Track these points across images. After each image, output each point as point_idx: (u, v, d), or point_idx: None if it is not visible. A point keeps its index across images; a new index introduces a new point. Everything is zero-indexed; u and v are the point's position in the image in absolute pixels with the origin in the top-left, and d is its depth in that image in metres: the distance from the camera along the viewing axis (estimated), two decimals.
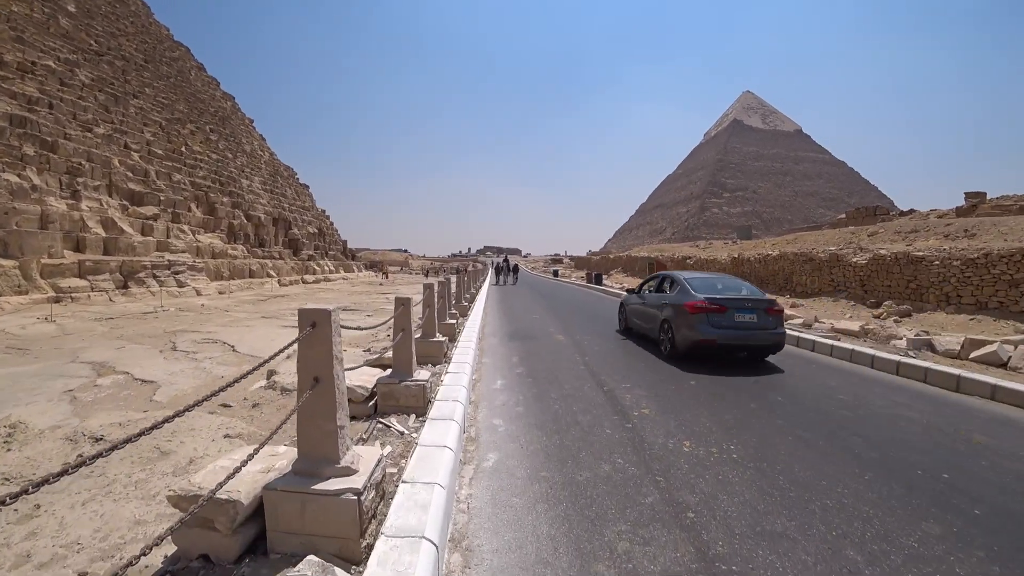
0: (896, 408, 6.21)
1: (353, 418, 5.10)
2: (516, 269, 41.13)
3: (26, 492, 1.37)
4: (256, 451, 2.52)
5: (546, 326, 13.34)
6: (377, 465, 3.06)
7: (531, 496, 3.61)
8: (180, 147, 35.22)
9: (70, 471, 1.54)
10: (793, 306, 17.78)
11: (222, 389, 2.41)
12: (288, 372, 7.05)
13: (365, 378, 5.41)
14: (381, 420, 4.93)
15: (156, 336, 12.37)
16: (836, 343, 9.93)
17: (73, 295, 19.05)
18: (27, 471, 4.12)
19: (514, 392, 6.58)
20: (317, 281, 40.69)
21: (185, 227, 29.69)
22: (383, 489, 3.22)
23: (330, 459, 2.86)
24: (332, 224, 60.28)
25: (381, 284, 42.40)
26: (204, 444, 4.66)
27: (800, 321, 13.49)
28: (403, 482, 3.21)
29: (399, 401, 5.20)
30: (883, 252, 16.72)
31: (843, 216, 49.85)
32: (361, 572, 2.57)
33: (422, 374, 5.52)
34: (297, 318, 2.84)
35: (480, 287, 26.77)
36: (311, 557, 2.54)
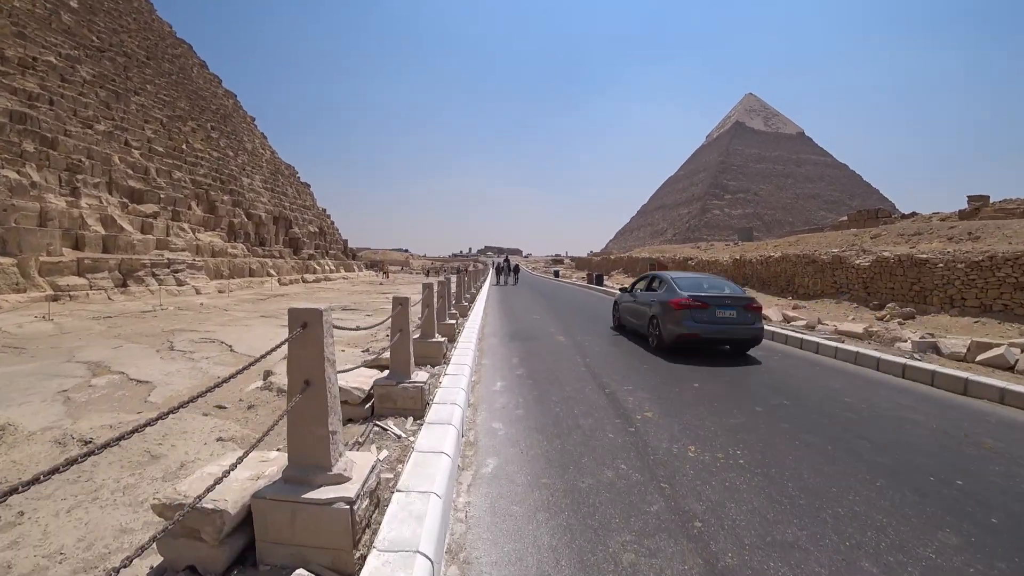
0: (902, 411, 6.09)
1: (349, 420, 4.98)
2: (517, 269, 41.00)
3: None
4: (242, 458, 2.41)
5: (547, 326, 13.22)
6: (371, 472, 2.93)
7: (532, 504, 3.48)
8: (181, 145, 35.14)
9: (41, 479, 1.45)
10: (795, 308, 17.66)
11: (208, 391, 2.29)
12: (285, 372, 6.93)
13: (362, 379, 5.28)
14: (378, 423, 4.80)
15: (154, 335, 12.27)
16: (840, 345, 9.80)
17: (71, 293, 18.95)
18: (12, 475, 4.00)
19: (514, 394, 6.45)
20: (317, 280, 40.60)
21: (185, 225, 29.60)
22: (378, 497, 3.10)
23: (322, 466, 2.73)
24: (333, 223, 60.20)
25: (381, 284, 42.30)
26: (196, 448, 4.54)
27: (803, 323, 13.36)
28: (398, 491, 3.06)
29: (396, 403, 5.07)
30: (886, 254, 16.60)
31: (845, 218, 49.67)
32: None
33: (420, 376, 5.40)
34: (299, 313, 2.72)
35: (480, 287, 26.65)
36: (301, 571, 2.42)
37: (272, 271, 35.07)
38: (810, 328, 12.63)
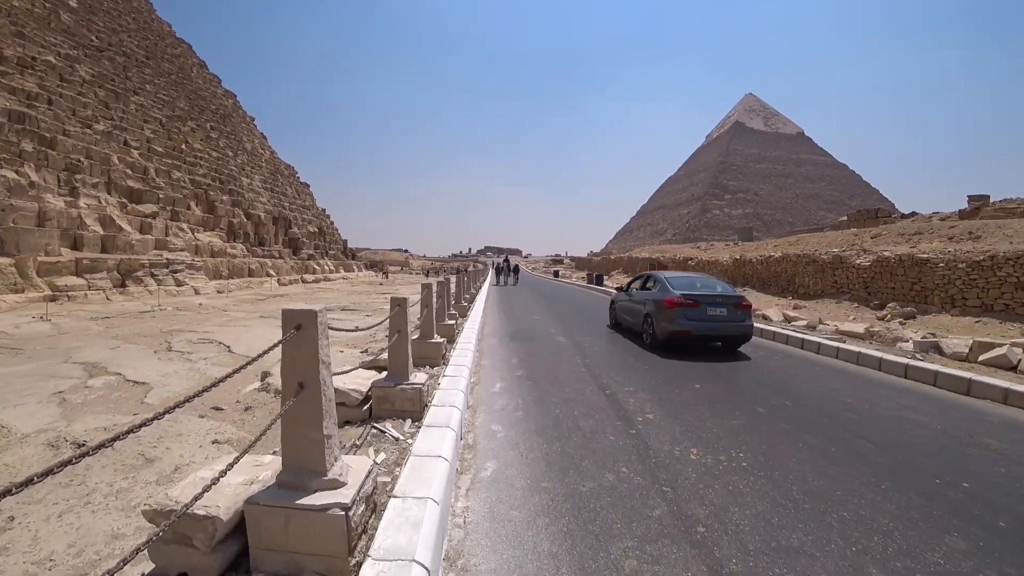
0: (905, 411, 6.05)
1: (347, 423, 4.92)
2: (516, 269, 40.93)
3: None
4: (233, 463, 2.34)
5: (546, 327, 13.15)
6: (368, 476, 2.87)
7: (531, 509, 3.41)
8: (180, 144, 35.07)
9: (35, 480, 1.41)
10: (796, 308, 17.60)
11: (198, 394, 2.23)
12: None
13: (360, 381, 5.22)
14: (376, 425, 4.75)
15: (152, 336, 12.20)
16: (842, 345, 9.74)
17: (70, 294, 18.88)
18: (4, 479, 3.93)
19: (514, 395, 6.38)
20: (317, 280, 40.52)
21: (184, 225, 29.53)
22: (375, 501, 3.04)
23: (316, 471, 2.67)
24: (332, 223, 60.12)
25: (381, 284, 42.23)
26: (191, 450, 4.47)
27: (804, 323, 13.31)
28: (394, 496, 2.98)
29: (394, 405, 5.01)
30: (887, 254, 16.54)
31: (844, 218, 49.63)
32: None
33: (419, 377, 5.33)
34: (293, 314, 2.65)
35: (480, 287, 26.58)
36: None
37: (271, 271, 35.00)
38: (811, 328, 12.58)
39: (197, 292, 24.65)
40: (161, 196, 28.85)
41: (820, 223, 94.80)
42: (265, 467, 2.97)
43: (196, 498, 2.21)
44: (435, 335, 7.58)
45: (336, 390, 4.91)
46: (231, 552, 2.63)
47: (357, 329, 4.34)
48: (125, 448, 4.35)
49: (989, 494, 3.81)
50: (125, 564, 1.71)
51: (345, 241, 60.04)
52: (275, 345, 2.57)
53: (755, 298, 21.40)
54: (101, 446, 1.69)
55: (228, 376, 2.36)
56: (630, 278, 18.02)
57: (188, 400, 2.10)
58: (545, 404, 5.99)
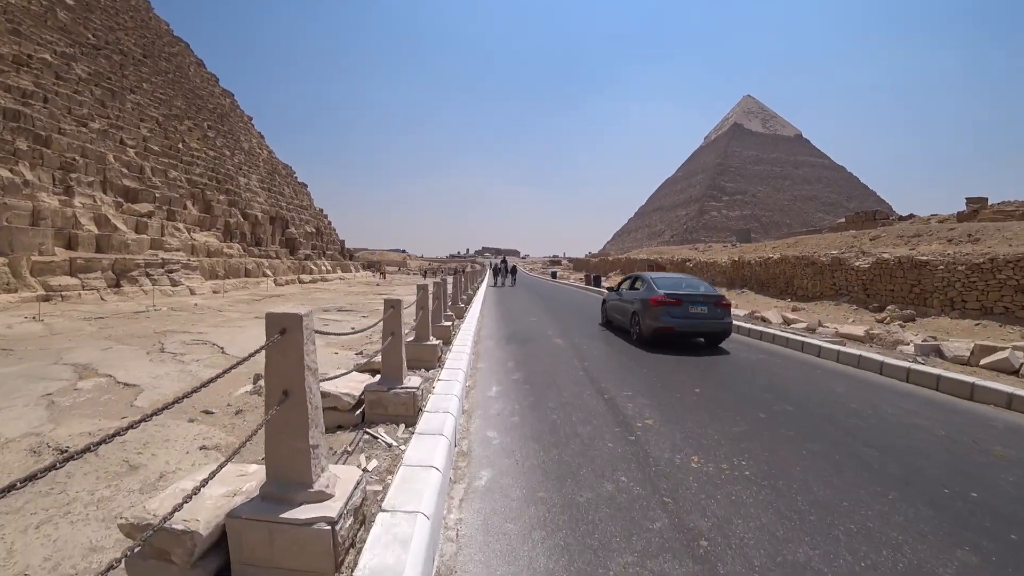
0: (908, 417, 5.95)
1: (339, 427, 4.80)
2: (514, 270, 40.79)
3: None
4: (214, 474, 2.21)
5: (544, 328, 13.04)
6: (356, 488, 2.75)
7: (527, 521, 3.28)
8: (177, 144, 34.87)
9: (17, 486, 1.36)
10: (795, 310, 17.52)
11: (179, 399, 2.11)
12: None
13: (353, 384, 5.09)
14: (368, 431, 4.62)
15: (145, 337, 12.04)
16: (842, 348, 9.65)
17: (63, 293, 18.70)
18: None
19: (510, 400, 6.25)
20: (314, 281, 40.34)
21: (180, 225, 29.34)
22: (363, 513, 2.91)
23: (302, 482, 2.55)
24: (330, 223, 59.91)
25: (378, 284, 42.07)
26: (177, 457, 4.34)
27: (804, 325, 13.21)
28: (383, 511, 2.84)
29: (388, 410, 4.89)
30: (886, 256, 16.47)
31: (843, 220, 49.70)
32: None
33: (413, 381, 5.21)
34: (277, 318, 2.52)
35: (478, 288, 26.45)
36: None
37: (268, 271, 34.81)
38: (811, 331, 12.48)
39: (193, 292, 24.47)
40: (157, 195, 28.66)
41: (818, 225, 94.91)
42: (249, 477, 2.84)
43: (176, 509, 2.09)
44: (431, 337, 7.46)
45: (328, 394, 4.80)
46: (212, 567, 2.51)
47: (354, 331, 4.22)
48: (109, 454, 4.22)
49: (998, 504, 3.71)
50: None
51: (343, 241, 59.84)
52: (258, 350, 2.45)
53: (753, 300, 21.31)
54: (86, 450, 1.61)
55: (212, 380, 2.24)
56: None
57: (169, 406, 1.98)
58: (542, 409, 5.86)
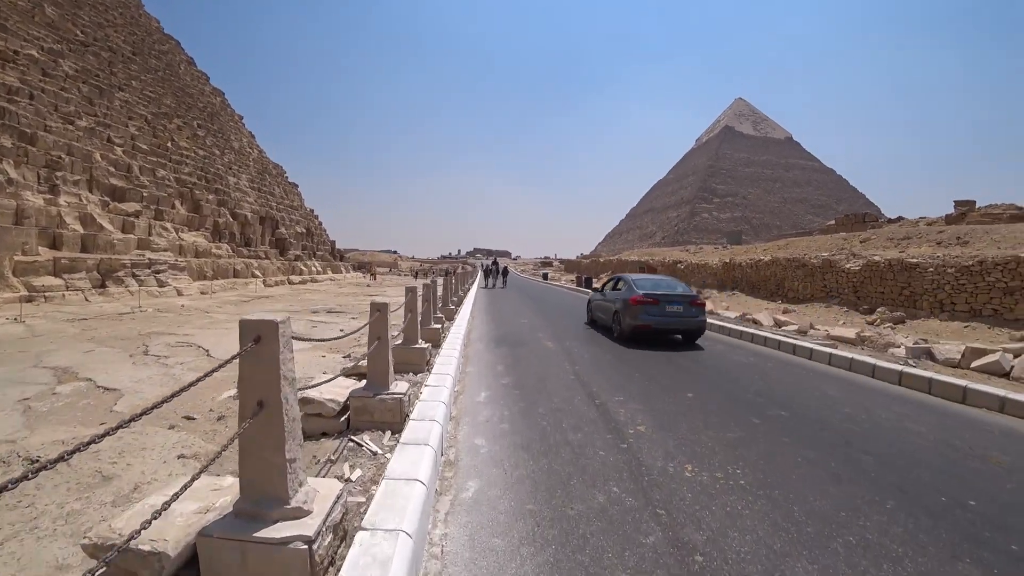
0: (902, 421, 5.89)
1: (323, 435, 4.66)
2: (505, 272, 40.65)
3: None
4: (181, 491, 2.07)
5: (535, 331, 12.92)
6: (336, 503, 2.62)
7: (515, 536, 3.14)
8: (166, 142, 34.45)
9: None
10: (785, 312, 17.52)
11: (157, 405, 1.97)
12: None
13: (338, 390, 4.95)
14: (353, 438, 4.48)
15: (129, 339, 11.81)
16: (834, 351, 9.61)
17: (47, 294, 18.36)
18: None
19: (499, 406, 6.11)
20: (304, 282, 40.01)
21: (168, 225, 28.96)
22: (344, 529, 2.77)
23: (278, 498, 2.42)
24: (321, 224, 59.50)
25: (368, 285, 41.79)
26: (154, 466, 4.17)
27: (795, 328, 13.20)
28: (362, 529, 2.67)
29: (374, 416, 4.75)
30: (876, 259, 16.51)
31: (832, 222, 50.03)
32: None
33: (400, 386, 5.08)
34: (251, 325, 2.39)
35: (468, 290, 26.31)
36: None
37: (257, 272, 34.45)
38: (802, 333, 12.46)
39: (180, 293, 24.14)
40: (145, 195, 28.27)
41: (808, 227, 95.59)
42: (224, 492, 2.71)
43: (142, 528, 1.95)
44: (419, 340, 7.32)
45: (312, 400, 4.65)
46: None
47: (342, 333, 4.08)
48: (82, 464, 4.06)
49: (997, 513, 3.64)
50: None
51: (333, 242, 59.45)
52: (231, 359, 2.32)
53: (744, 302, 21.32)
54: (59, 459, 1.51)
55: (192, 384, 2.10)
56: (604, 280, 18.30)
57: (147, 412, 1.86)
58: (532, 415, 5.73)
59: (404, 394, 4.86)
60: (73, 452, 1.57)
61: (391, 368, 5.01)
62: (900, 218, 39.68)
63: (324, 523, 2.44)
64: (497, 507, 3.51)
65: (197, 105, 44.41)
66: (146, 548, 2.23)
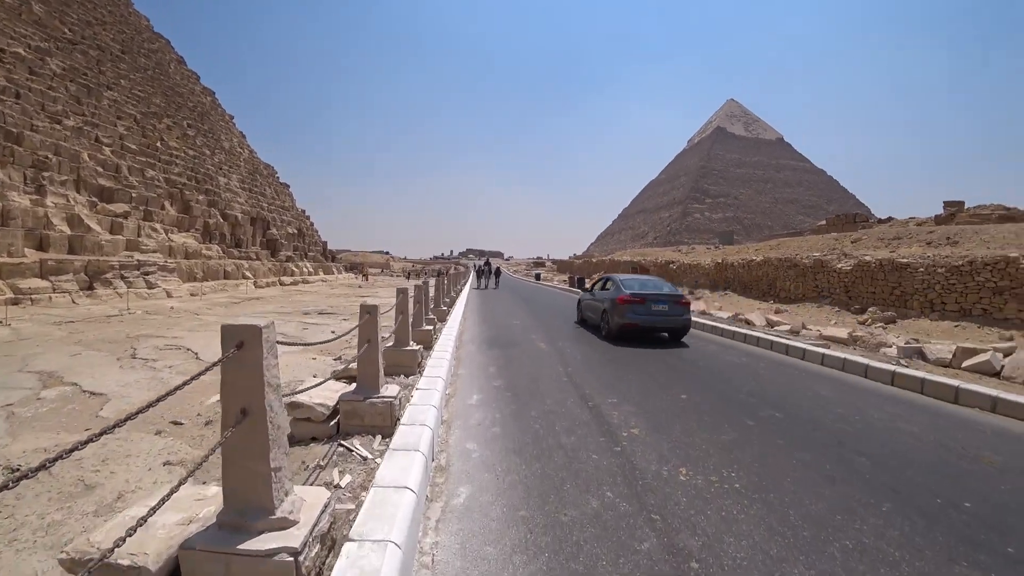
0: (896, 421, 5.90)
1: (313, 439, 4.58)
2: (498, 272, 40.59)
3: None
4: (165, 499, 2.00)
5: (527, 332, 12.87)
6: (323, 512, 2.55)
7: (507, 544, 3.08)
8: (155, 142, 34.12)
9: None
10: (777, 312, 17.56)
11: (141, 411, 1.90)
12: None
13: (327, 394, 4.87)
14: (343, 443, 4.41)
15: (116, 342, 11.65)
16: (827, 351, 9.63)
17: (33, 296, 18.11)
18: None
19: (491, 409, 6.04)
20: (295, 283, 39.76)
21: (157, 225, 28.68)
22: (333, 538, 2.70)
23: (263, 508, 2.35)
24: (312, 225, 59.20)
25: (360, 287, 41.59)
26: (139, 474, 4.08)
27: (787, 328, 13.22)
28: (349, 540, 2.59)
29: (364, 420, 4.68)
30: (868, 259, 16.58)
31: (823, 223, 50.30)
32: None
33: (391, 389, 5.00)
34: (233, 330, 2.31)
35: (460, 290, 26.24)
36: None
37: (248, 273, 34.19)
38: (794, 333, 12.48)
39: (169, 295, 23.90)
40: (134, 195, 27.98)
41: (799, 227, 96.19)
42: (207, 501, 2.63)
43: (121, 541, 1.87)
44: (411, 342, 7.25)
45: (301, 404, 4.57)
46: None
47: (334, 335, 4.02)
48: (64, 472, 3.96)
49: (992, 514, 3.62)
50: None
51: (325, 243, 59.16)
52: (212, 366, 2.25)
53: (736, 302, 21.37)
54: (41, 468, 1.45)
55: (178, 389, 2.03)
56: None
57: (132, 417, 1.79)
58: (524, 418, 5.66)
59: (395, 398, 4.80)
60: (55, 460, 1.52)
61: (381, 371, 4.94)
62: (890, 218, 39.96)
63: (311, 533, 2.37)
64: (489, 514, 3.45)
65: (187, 104, 44.05)
66: (125, 563, 2.15)
